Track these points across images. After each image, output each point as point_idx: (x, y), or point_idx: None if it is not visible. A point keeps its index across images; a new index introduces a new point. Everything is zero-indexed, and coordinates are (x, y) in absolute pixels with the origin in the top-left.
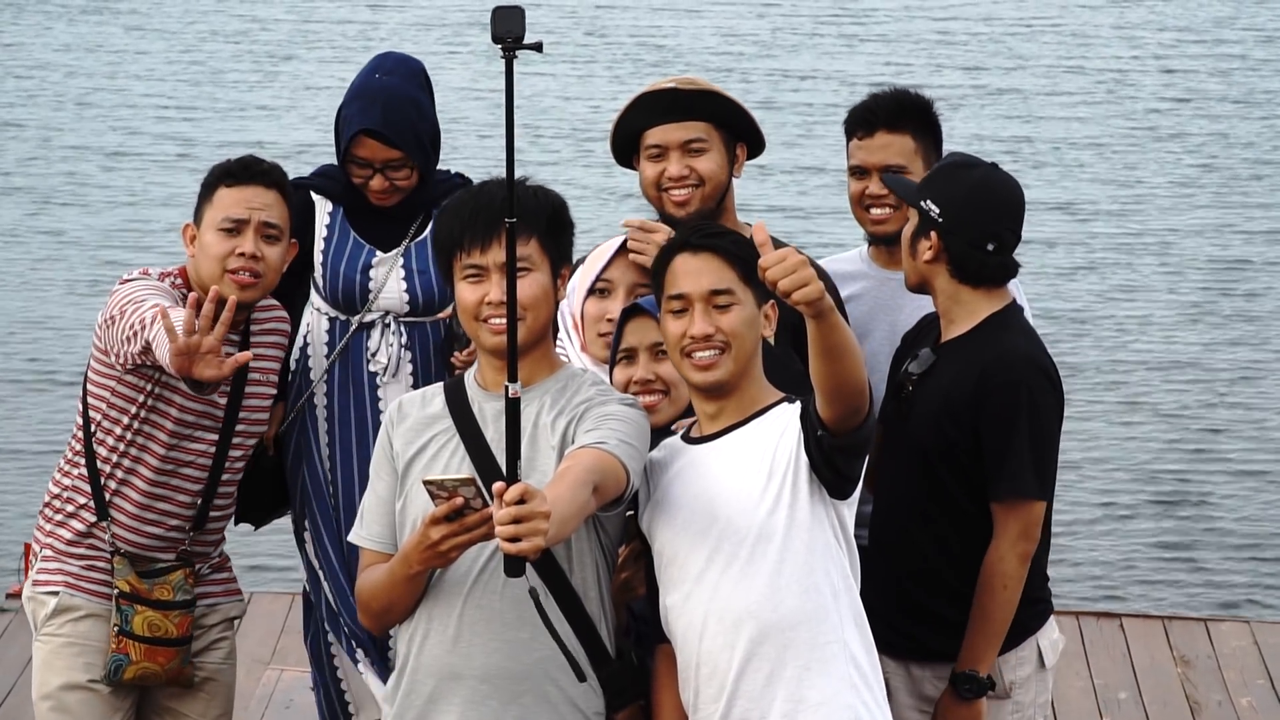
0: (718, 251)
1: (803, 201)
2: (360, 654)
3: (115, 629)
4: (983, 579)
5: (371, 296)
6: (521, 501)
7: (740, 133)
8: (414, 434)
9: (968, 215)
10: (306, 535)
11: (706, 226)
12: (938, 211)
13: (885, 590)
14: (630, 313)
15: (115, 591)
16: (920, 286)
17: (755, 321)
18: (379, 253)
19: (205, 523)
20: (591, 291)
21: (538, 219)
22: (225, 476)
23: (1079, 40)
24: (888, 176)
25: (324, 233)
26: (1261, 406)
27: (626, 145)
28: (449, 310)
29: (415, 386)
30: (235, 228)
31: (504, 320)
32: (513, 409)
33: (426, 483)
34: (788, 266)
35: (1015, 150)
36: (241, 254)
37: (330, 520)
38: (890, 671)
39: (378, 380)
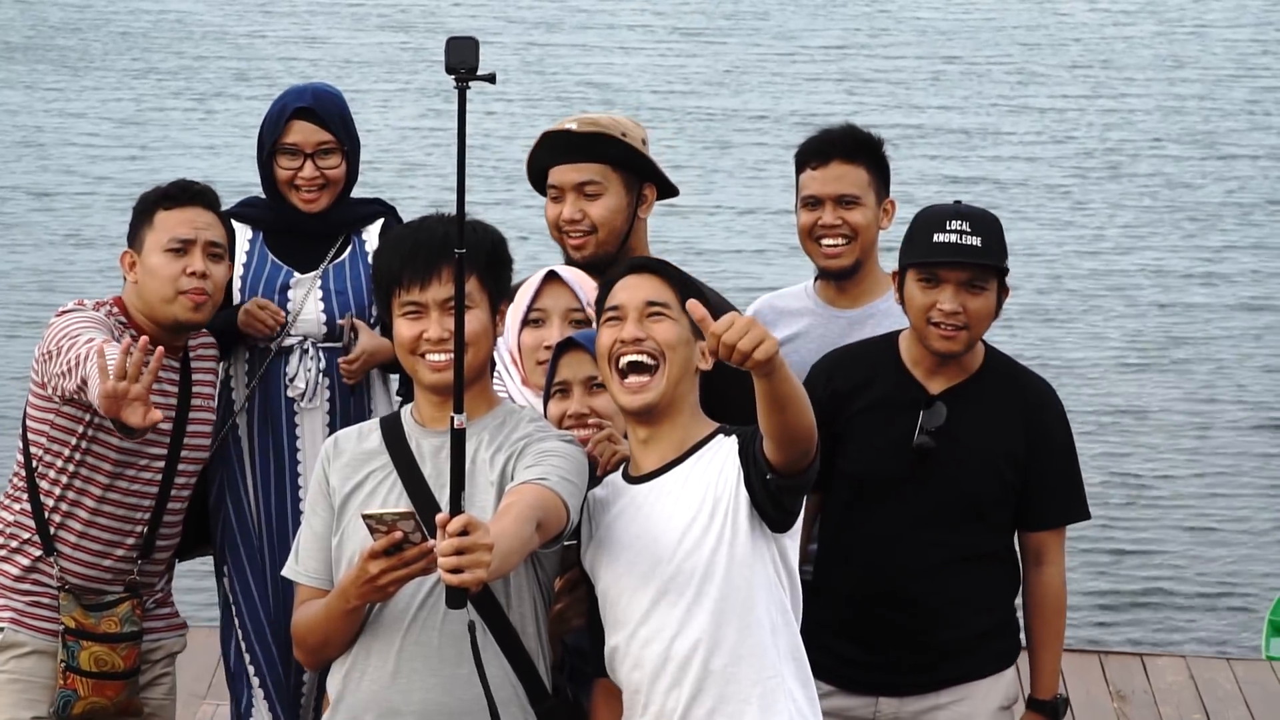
0: (659, 273)
1: (758, 243)
2: (260, 695)
3: (62, 664)
4: (1047, 606)
5: (289, 319)
6: (464, 533)
7: (646, 174)
8: (351, 470)
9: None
10: (226, 569)
11: (645, 258)
12: (1007, 262)
13: (878, 631)
14: (564, 346)
15: (61, 627)
16: (970, 346)
17: (690, 344)
18: (296, 274)
19: (153, 551)
20: (525, 323)
21: (477, 255)
22: (171, 505)
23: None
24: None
25: (243, 259)
26: (1199, 443)
27: (540, 181)
28: (349, 318)
29: (332, 413)
30: (182, 248)
31: (441, 357)
32: (458, 440)
33: (365, 516)
34: (740, 328)
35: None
36: (192, 273)
37: (255, 553)
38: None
39: (295, 406)
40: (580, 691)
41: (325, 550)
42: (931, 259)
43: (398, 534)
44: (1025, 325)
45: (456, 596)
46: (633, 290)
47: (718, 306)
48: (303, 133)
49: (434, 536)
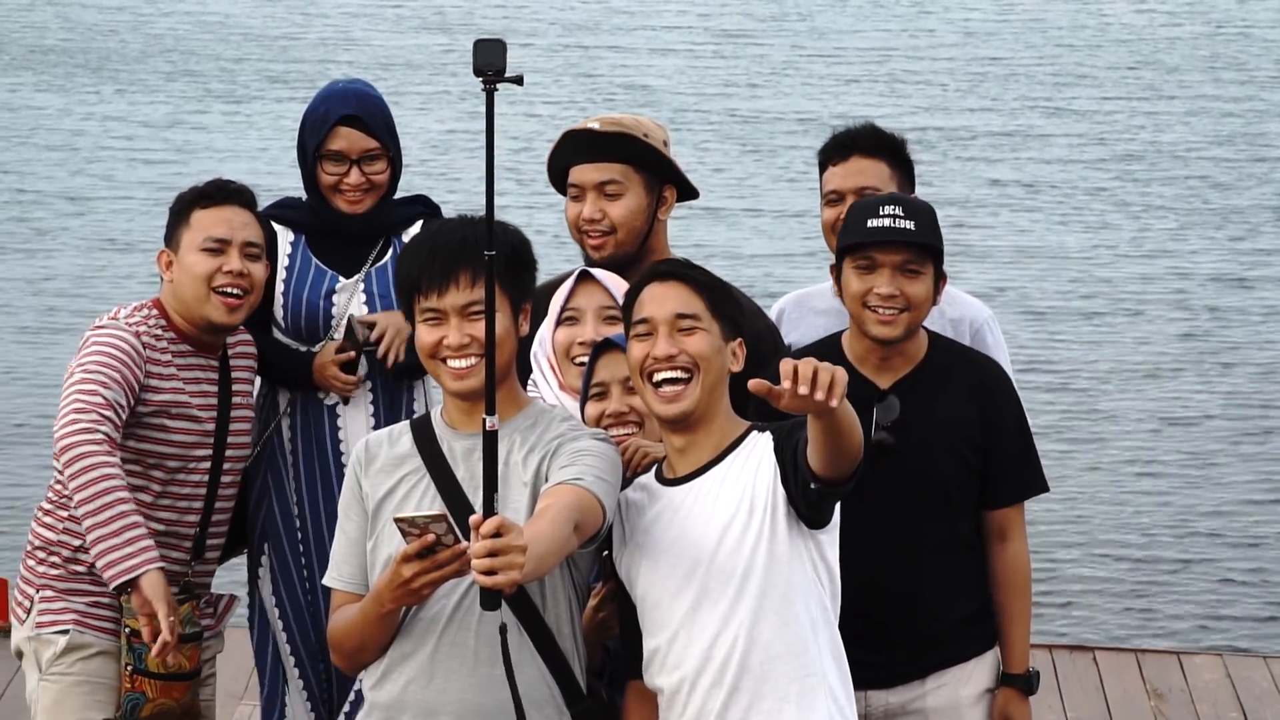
0: (686, 280)
1: (805, 246)
2: (302, 695)
3: (129, 668)
4: (1014, 581)
5: (334, 323)
6: (498, 534)
7: (666, 175)
8: (383, 475)
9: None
10: (262, 573)
11: (672, 262)
12: (940, 247)
13: (862, 628)
14: (601, 348)
15: (126, 630)
16: (911, 334)
17: (721, 351)
18: (341, 278)
19: (204, 551)
20: (560, 323)
21: (499, 258)
22: (220, 505)
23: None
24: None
25: (285, 262)
26: (1235, 439)
27: (561, 180)
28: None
29: (375, 414)
30: (219, 247)
31: (462, 363)
32: (490, 441)
33: (397, 520)
34: (806, 373)
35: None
36: (229, 272)
37: (298, 557)
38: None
39: (337, 410)
40: (617, 695)
41: (360, 556)
42: (866, 240)
43: (430, 536)
44: (1068, 324)
45: (491, 598)
46: (660, 302)
47: (747, 310)
48: (348, 139)
49: (467, 538)
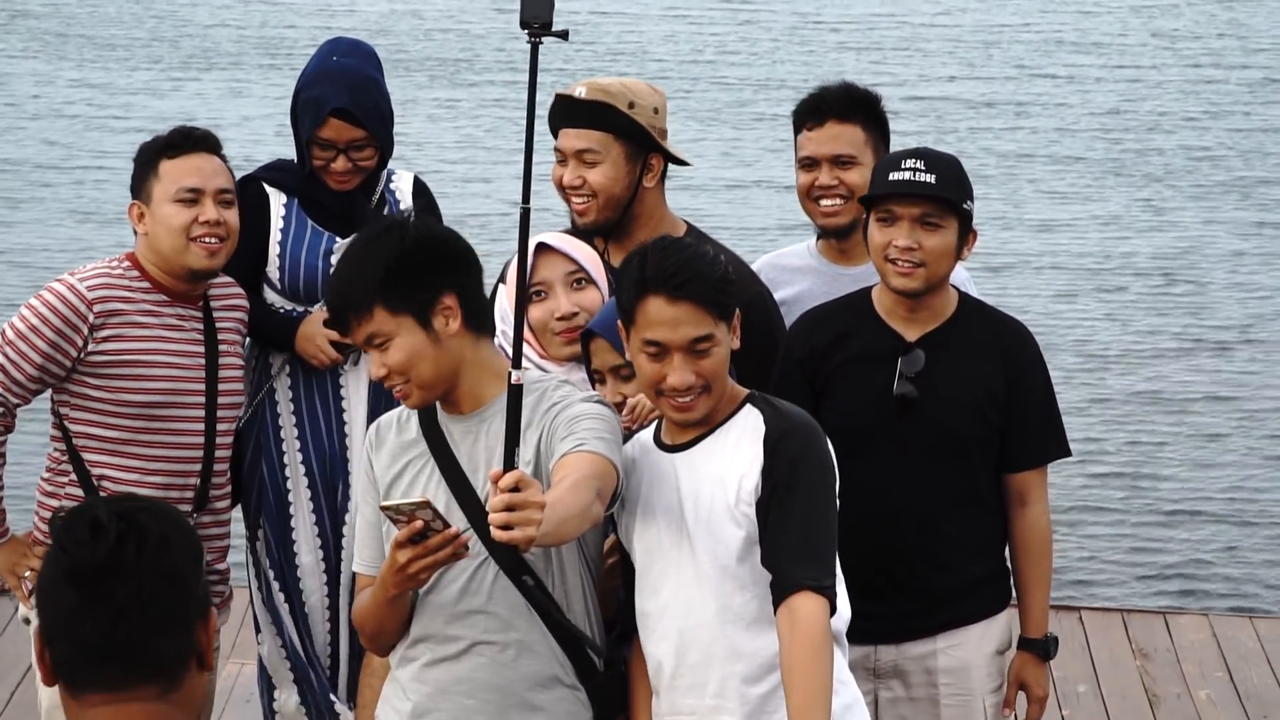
0: (694, 300)
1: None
2: (285, 656)
3: None
4: (1034, 545)
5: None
6: (516, 489)
7: (652, 144)
8: (391, 459)
9: (972, 203)
10: (261, 531)
11: (676, 266)
12: (972, 207)
13: (874, 581)
14: (588, 337)
15: None
16: (932, 288)
17: (729, 348)
18: (338, 239)
19: (207, 503)
20: (530, 300)
21: (366, 293)
22: (219, 454)
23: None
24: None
25: (280, 224)
26: (1218, 393)
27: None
28: None
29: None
30: (193, 197)
31: (398, 388)
32: (514, 396)
33: (383, 508)
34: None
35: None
36: (205, 221)
37: (288, 513)
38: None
39: (340, 369)
40: (627, 649)
41: (378, 539)
42: (885, 193)
43: (418, 523)
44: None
45: (507, 555)
46: (673, 328)
47: (745, 278)
48: (337, 130)
49: (482, 521)
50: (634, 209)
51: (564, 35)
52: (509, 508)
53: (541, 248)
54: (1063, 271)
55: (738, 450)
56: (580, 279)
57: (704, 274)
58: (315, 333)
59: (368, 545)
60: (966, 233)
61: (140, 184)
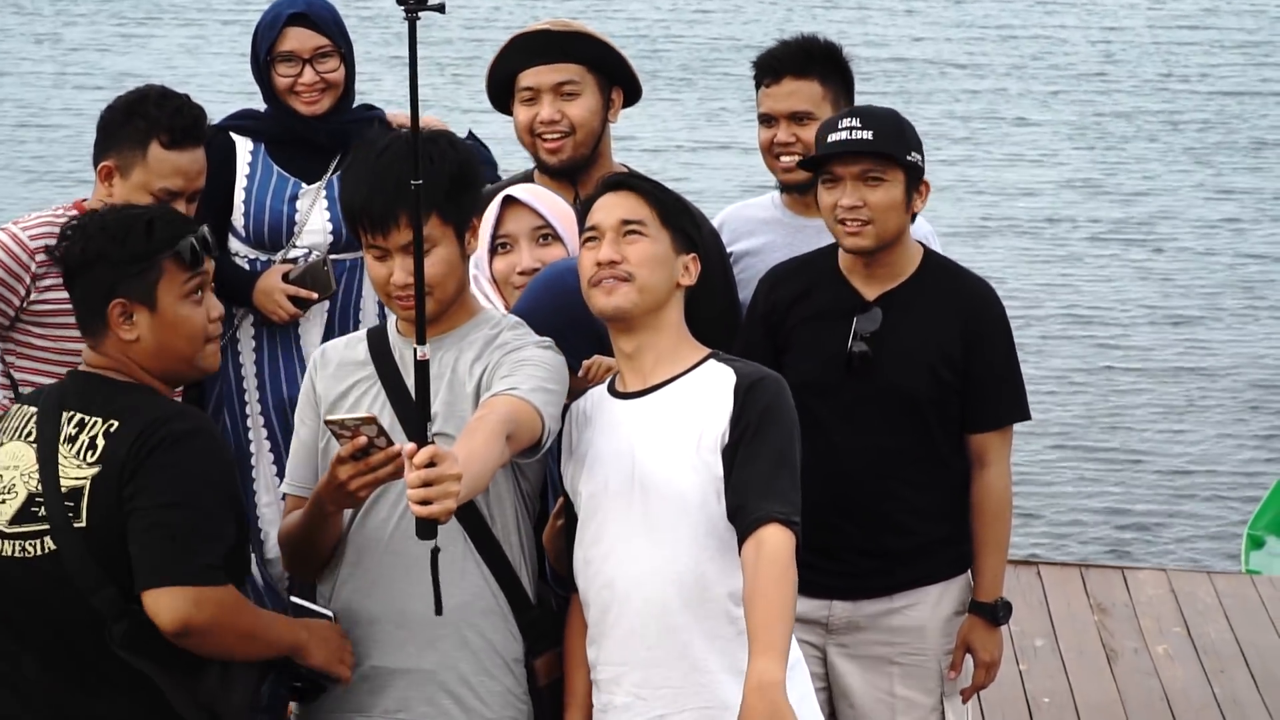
0: (636, 190)
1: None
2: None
3: None
4: (990, 508)
5: (296, 229)
6: (431, 464)
7: (616, 77)
8: (336, 380)
9: (920, 155)
10: None
11: (631, 173)
12: (919, 158)
13: (829, 538)
14: (505, 203)
15: None
16: (886, 244)
17: (669, 261)
18: (304, 185)
19: None
20: (494, 251)
21: (436, 189)
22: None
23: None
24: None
25: (246, 170)
26: (1179, 351)
27: (503, 91)
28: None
29: (330, 323)
30: (169, 199)
31: (413, 299)
32: (422, 371)
33: (328, 422)
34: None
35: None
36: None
37: (250, 466)
38: (807, 609)
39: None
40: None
41: (312, 459)
42: (824, 154)
43: (362, 439)
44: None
45: (426, 528)
46: (608, 210)
47: (700, 222)
48: (299, 39)
49: (421, 442)
50: (600, 147)
51: (440, 8)
52: (426, 483)
53: (509, 200)
54: (1024, 235)
55: (702, 399)
56: (546, 234)
57: (649, 180)
58: (273, 287)
59: (300, 466)
60: (916, 185)
61: (122, 148)
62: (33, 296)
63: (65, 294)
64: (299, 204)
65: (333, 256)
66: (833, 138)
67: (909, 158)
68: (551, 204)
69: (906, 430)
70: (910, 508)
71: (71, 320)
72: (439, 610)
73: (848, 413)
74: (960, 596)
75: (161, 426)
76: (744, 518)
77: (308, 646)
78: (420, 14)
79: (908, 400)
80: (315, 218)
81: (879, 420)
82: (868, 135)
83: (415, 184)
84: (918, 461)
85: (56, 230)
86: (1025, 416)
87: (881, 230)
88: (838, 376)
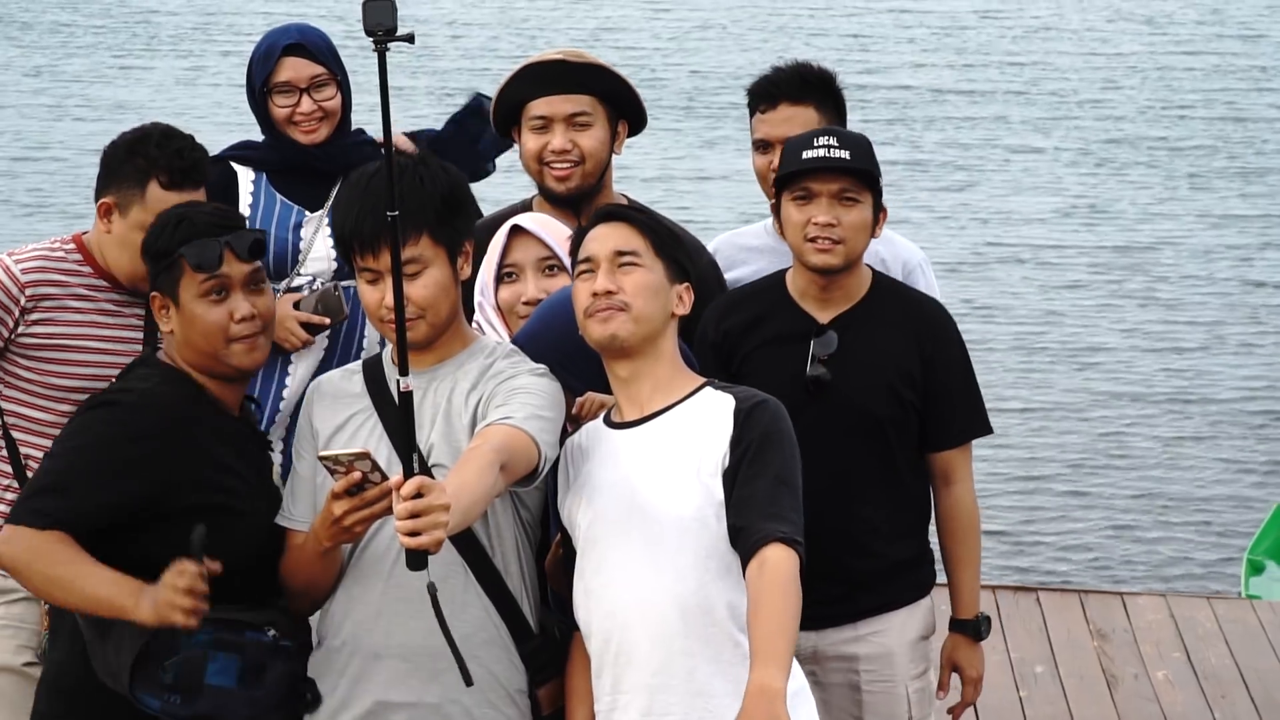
0: (630, 221)
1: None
2: None
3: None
4: (960, 524)
5: (300, 257)
6: (419, 495)
7: (623, 109)
8: (333, 413)
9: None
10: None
11: (624, 204)
12: (881, 181)
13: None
14: (512, 233)
15: None
16: (850, 265)
17: (663, 291)
18: (307, 213)
19: None
20: (499, 280)
21: (426, 210)
22: None
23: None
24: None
25: (249, 200)
26: (1179, 378)
27: (508, 116)
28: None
29: (328, 352)
30: None
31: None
32: (405, 403)
33: (322, 458)
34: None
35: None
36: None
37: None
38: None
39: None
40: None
41: (310, 494)
42: (803, 169)
43: (356, 474)
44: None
45: (416, 559)
46: (602, 241)
47: (693, 248)
48: (295, 69)
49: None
50: (605, 178)
51: (410, 39)
52: (414, 514)
53: (516, 230)
54: (1025, 263)
55: (700, 426)
56: (552, 265)
57: (643, 209)
58: (285, 315)
59: (298, 500)
60: (879, 209)
61: (121, 186)
62: (20, 329)
63: (52, 329)
64: (303, 232)
65: (343, 283)
66: (809, 154)
67: (880, 181)
68: (559, 234)
69: (867, 451)
70: (871, 528)
71: (58, 355)
72: (468, 681)
73: (808, 437)
74: (925, 620)
75: (102, 395)
76: (747, 539)
77: (132, 612)
78: (389, 45)
79: (869, 420)
80: (319, 245)
81: (840, 441)
82: (845, 155)
83: (391, 215)
84: (879, 483)
85: (49, 264)
86: (987, 431)
87: (851, 250)
88: (797, 402)
